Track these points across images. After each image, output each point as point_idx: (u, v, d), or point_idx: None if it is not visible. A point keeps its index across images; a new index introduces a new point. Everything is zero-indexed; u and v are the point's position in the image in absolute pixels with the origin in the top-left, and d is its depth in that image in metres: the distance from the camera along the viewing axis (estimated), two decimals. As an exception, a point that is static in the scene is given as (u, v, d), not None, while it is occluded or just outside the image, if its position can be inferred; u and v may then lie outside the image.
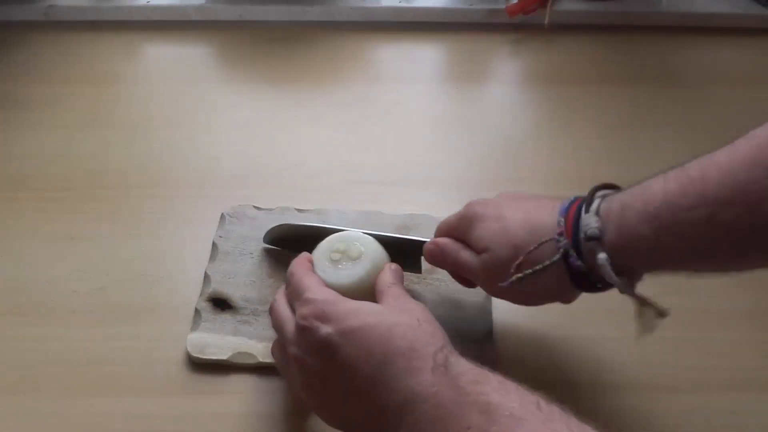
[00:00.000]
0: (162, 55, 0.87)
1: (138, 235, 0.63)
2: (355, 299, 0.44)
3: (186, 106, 0.78)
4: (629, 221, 0.42)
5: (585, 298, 0.57)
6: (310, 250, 0.52)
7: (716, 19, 0.91)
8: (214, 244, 0.61)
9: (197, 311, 0.56)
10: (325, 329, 0.42)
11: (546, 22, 0.87)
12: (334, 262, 0.50)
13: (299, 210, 0.64)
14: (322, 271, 0.49)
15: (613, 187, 0.46)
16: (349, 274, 0.49)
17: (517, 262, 0.45)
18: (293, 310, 0.46)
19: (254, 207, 0.64)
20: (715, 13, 0.91)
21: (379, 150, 0.72)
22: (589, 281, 0.45)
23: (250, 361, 0.53)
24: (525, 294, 0.48)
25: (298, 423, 0.50)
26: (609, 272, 0.42)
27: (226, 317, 0.55)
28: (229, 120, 0.76)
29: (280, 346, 0.47)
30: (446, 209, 0.64)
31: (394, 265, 0.50)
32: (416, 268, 0.56)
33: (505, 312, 0.56)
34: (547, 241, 0.45)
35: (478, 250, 0.48)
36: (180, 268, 0.60)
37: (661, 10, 0.91)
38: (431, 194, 0.68)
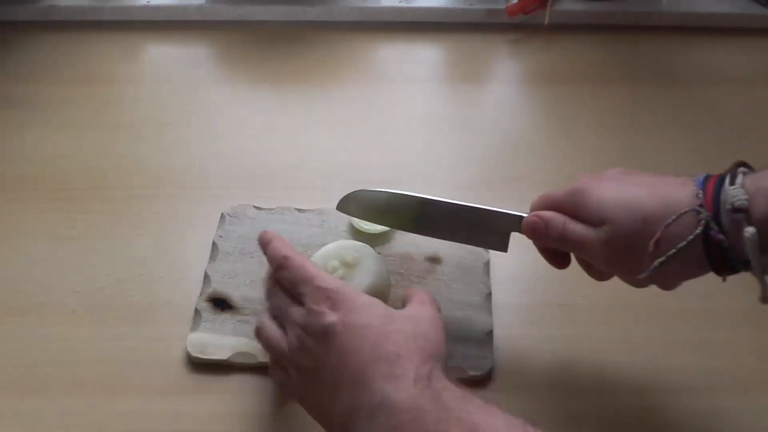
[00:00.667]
0: (162, 55, 0.88)
1: (138, 235, 0.63)
2: None
3: (186, 106, 0.78)
4: None
5: (585, 298, 0.57)
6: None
7: (716, 19, 0.91)
8: (214, 244, 0.61)
9: (197, 311, 0.56)
10: (332, 317, 0.42)
11: (546, 22, 0.87)
12: (331, 272, 0.51)
13: (299, 210, 0.64)
14: None
15: (749, 166, 0.43)
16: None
17: (655, 238, 0.42)
18: (294, 295, 0.45)
19: (254, 207, 0.64)
20: (715, 13, 0.91)
21: (379, 150, 0.72)
22: (726, 259, 0.41)
23: (250, 361, 0.53)
24: (659, 275, 0.44)
25: (297, 423, 0.50)
26: (754, 248, 0.39)
27: (226, 317, 0.55)
28: (229, 120, 0.76)
29: (276, 334, 0.46)
30: (446, 209, 0.64)
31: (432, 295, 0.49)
32: (503, 246, 0.52)
33: (505, 312, 0.56)
34: (686, 213, 0.41)
35: (595, 223, 0.44)
36: (180, 268, 0.60)
37: (661, 10, 0.91)
38: (431, 194, 0.67)
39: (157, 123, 0.76)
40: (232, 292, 0.57)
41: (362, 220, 0.61)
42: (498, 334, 0.55)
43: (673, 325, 0.56)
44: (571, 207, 0.47)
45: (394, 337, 0.42)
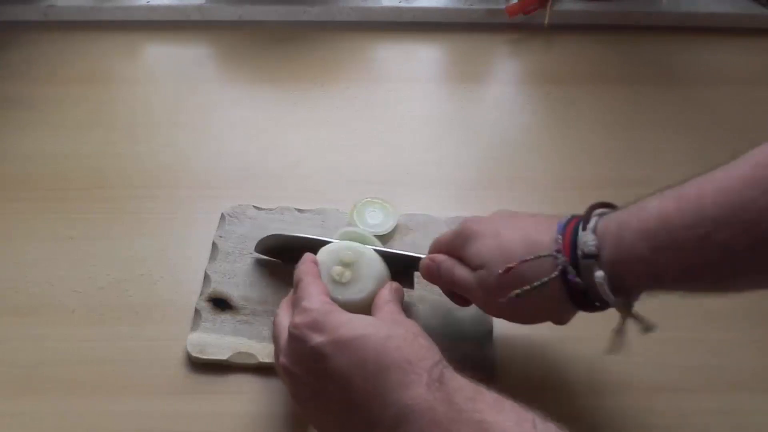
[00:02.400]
0: (162, 55, 0.88)
1: (138, 235, 0.63)
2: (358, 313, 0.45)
3: (186, 106, 0.78)
4: (626, 239, 0.42)
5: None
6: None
7: (716, 19, 0.91)
8: (214, 244, 0.61)
9: (197, 311, 0.56)
10: (317, 339, 0.42)
11: (546, 22, 0.87)
12: (337, 277, 0.50)
13: (299, 210, 0.64)
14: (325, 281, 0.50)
15: (610, 206, 0.46)
16: (353, 290, 0.50)
17: (508, 266, 0.44)
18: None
19: (254, 207, 0.64)
20: (715, 13, 0.91)
21: (378, 150, 0.72)
22: (587, 299, 0.44)
23: (250, 361, 0.53)
24: (522, 312, 0.47)
25: (298, 423, 0.50)
26: (606, 290, 0.42)
27: (226, 317, 0.55)
28: (229, 120, 0.76)
29: (276, 354, 0.47)
30: (446, 209, 0.65)
31: (395, 284, 0.50)
32: (409, 284, 0.55)
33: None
34: (545, 256, 0.44)
35: (473, 267, 0.47)
36: (180, 268, 0.60)
37: (661, 10, 0.91)
38: (431, 194, 0.68)
39: (157, 123, 0.76)
40: (232, 292, 0.57)
41: (362, 222, 0.62)
42: (498, 334, 0.55)
43: (672, 324, 0.56)
44: (457, 250, 0.49)
45: (396, 343, 0.41)
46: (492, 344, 0.54)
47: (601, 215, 0.44)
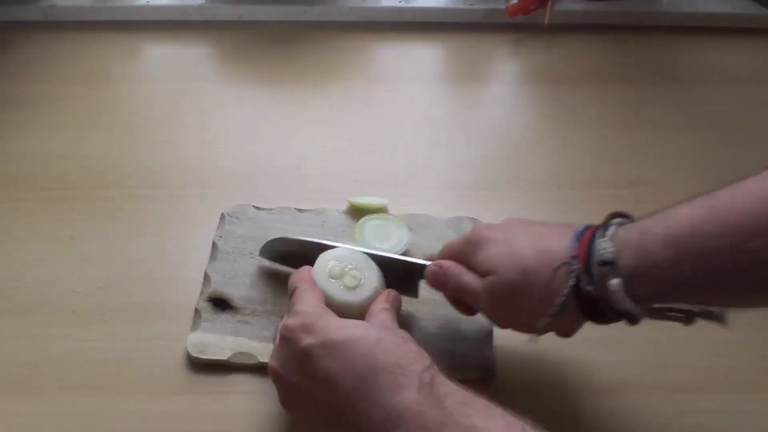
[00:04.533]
0: (162, 55, 0.87)
1: (138, 235, 0.63)
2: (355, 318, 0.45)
3: (186, 106, 0.78)
4: (649, 246, 0.41)
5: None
6: (306, 264, 0.51)
7: (716, 19, 0.91)
8: (214, 244, 0.61)
9: (197, 311, 0.56)
10: (307, 340, 0.42)
11: (546, 22, 0.87)
12: (335, 280, 0.50)
13: (299, 210, 0.64)
14: (322, 286, 0.49)
15: (626, 216, 0.45)
16: (352, 295, 0.50)
17: (537, 297, 0.44)
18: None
19: (254, 207, 0.64)
20: (715, 13, 0.91)
21: (378, 150, 0.72)
22: (598, 310, 0.43)
23: (250, 361, 0.53)
24: (529, 324, 0.46)
25: (297, 423, 0.50)
26: (623, 297, 0.41)
27: (226, 317, 0.55)
28: (229, 120, 0.76)
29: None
30: (446, 209, 0.64)
31: (393, 292, 0.50)
32: (413, 293, 0.54)
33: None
34: (560, 267, 0.43)
35: (482, 273, 0.47)
36: (180, 268, 0.60)
37: (661, 10, 0.91)
38: (431, 194, 0.68)
39: (157, 123, 0.76)
40: (232, 292, 0.57)
41: (358, 198, 0.63)
42: (498, 334, 0.55)
43: (672, 324, 0.56)
44: (466, 256, 0.49)
45: (386, 346, 0.41)
46: (492, 345, 0.54)
47: (619, 224, 0.44)
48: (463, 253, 0.49)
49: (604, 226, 0.44)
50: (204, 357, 0.53)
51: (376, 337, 0.42)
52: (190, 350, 0.53)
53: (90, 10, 0.89)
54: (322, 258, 0.52)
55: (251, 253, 0.60)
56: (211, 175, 0.69)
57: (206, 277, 0.58)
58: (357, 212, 0.63)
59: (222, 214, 0.63)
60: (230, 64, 0.86)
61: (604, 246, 0.42)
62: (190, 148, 0.72)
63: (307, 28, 0.90)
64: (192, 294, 0.57)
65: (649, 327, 0.56)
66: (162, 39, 0.88)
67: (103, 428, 0.50)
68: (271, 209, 0.64)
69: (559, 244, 0.44)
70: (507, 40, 0.89)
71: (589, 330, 0.51)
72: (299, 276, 0.49)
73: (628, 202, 0.67)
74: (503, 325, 0.49)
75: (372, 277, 0.51)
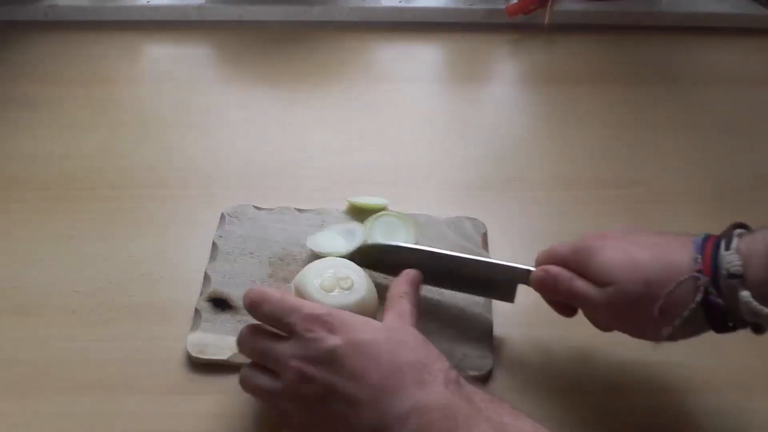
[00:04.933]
0: (162, 55, 0.88)
1: (138, 235, 0.63)
2: None
3: (186, 106, 0.78)
4: None
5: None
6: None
7: (716, 19, 0.91)
8: (214, 244, 0.61)
9: (197, 311, 0.56)
10: (333, 340, 0.42)
11: (546, 22, 0.87)
12: (327, 290, 0.50)
13: (299, 210, 0.64)
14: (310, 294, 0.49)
15: (745, 226, 0.45)
16: (343, 297, 0.49)
17: (658, 305, 0.44)
18: (281, 328, 0.45)
19: (254, 207, 0.64)
20: (715, 13, 0.91)
21: (378, 150, 0.72)
22: (725, 321, 0.44)
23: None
24: (645, 332, 0.47)
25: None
26: (756, 307, 0.41)
27: (226, 317, 0.55)
28: (229, 120, 0.76)
29: (264, 379, 0.45)
30: (446, 209, 0.64)
31: (413, 272, 0.50)
32: (509, 297, 0.53)
33: (505, 312, 0.56)
34: (685, 279, 0.43)
35: (600, 283, 0.46)
36: (180, 268, 0.60)
37: (661, 10, 0.91)
38: (431, 194, 0.68)
39: (157, 123, 0.76)
40: (232, 292, 0.57)
41: (359, 198, 0.63)
42: (498, 334, 0.55)
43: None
44: (576, 264, 0.48)
45: (410, 346, 0.42)
46: (492, 344, 0.54)
47: (740, 235, 0.43)
48: (573, 260, 0.48)
49: (726, 237, 0.44)
50: (204, 357, 0.53)
51: (399, 339, 0.43)
52: (190, 350, 0.53)
53: (90, 10, 0.89)
54: (308, 274, 0.51)
55: (251, 253, 0.60)
56: (211, 175, 0.69)
57: (206, 277, 0.58)
58: (357, 212, 0.63)
59: (222, 214, 0.63)
60: (230, 64, 0.86)
61: (731, 259, 0.42)
62: (190, 147, 0.72)
63: (307, 28, 0.90)
64: (192, 294, 0.57)
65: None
66: (162, 39, 0.88)
67: (103, 428, 0.50)
68: (271, 209, 0.64)
69: (681, 257, 0.44)
70: (507, 40, 0.89)
71: (588, 329, 0.51)
72: (263, 290, 0.47)
73: (628, 202, 0.67)
74: (620, 330, 0.48)
75: (360, 282, 0.51)
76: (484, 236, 0.62)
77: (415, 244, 0.58)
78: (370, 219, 0.61)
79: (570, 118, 0.78)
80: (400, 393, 0.40)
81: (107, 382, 0.52)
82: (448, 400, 0.39)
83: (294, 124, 0.76)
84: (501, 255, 0.57)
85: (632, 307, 0.45)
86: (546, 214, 0.66)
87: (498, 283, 0.53)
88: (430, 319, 0.56)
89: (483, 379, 0.52)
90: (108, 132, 0.74)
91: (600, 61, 0.86)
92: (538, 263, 0.51)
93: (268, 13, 0.90)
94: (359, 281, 0.51)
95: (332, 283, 0.50)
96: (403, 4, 0.89)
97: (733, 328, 0.44)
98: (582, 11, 0.90)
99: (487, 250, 0.61)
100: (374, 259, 0.57)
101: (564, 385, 0.53)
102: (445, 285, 0.56)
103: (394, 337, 0.43)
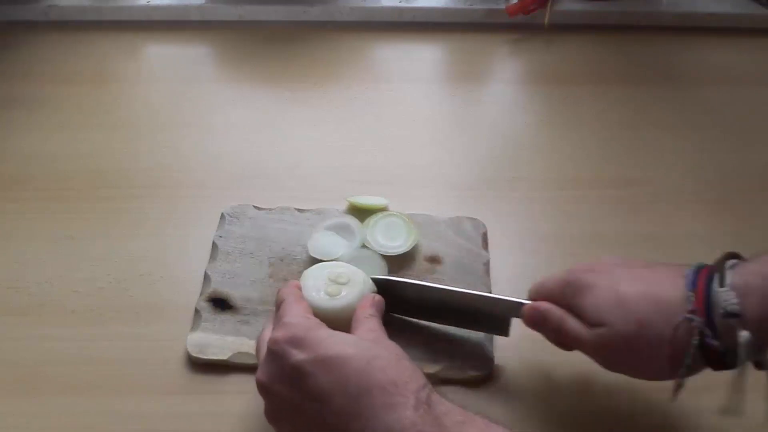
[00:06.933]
0: (162, 55, 0.88)
1: (138, 235, 0.63)
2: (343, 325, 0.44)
3: (186, 106, 0.78)
4: None
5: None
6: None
7: (716, 19, 0.91)
8: (214, 244, 0.61)
9: (197, 311, 0.56)
10: (298, 356, 0.41)
11: (546, 22, 0.87)
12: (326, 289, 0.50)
13: (299, 210, 0.64)
14: (310, 296, 0.49)
15: (738, 256, 0.43)
16: (337, 300, 0.49)
17: (667, 355, 0.42)
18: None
19: (254, 207, 0.64)
20: (715, 13, 0.91)
21: (378, 150, 0.72)
22: (722, 360, 0.41)
23: (250, 361, 0.53)
24: (645, 372, 0.45)
25: None
26: (752, 351, 0.39)
27: (226, 317, 0.55)
28: (229, 120, 0.76)
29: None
30: (446, 209, 0.64)
31: (377, 297, 0.49)
32: (504, 330, 0.52)
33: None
34: (680, 323, 0.41)
35: (590, 323, 0.44)
36: (180, 268, 0.60)
37: (661, 10, 0.91)
38: (431, 194, 0.68)
39: (156, 123, 0.76)
40: (232, 292, 0.57)
41: (358, 198, 0.63)
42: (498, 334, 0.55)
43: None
44: (566, 300, 0.47)
45: (381, 364, 0.40)
46: (492, 344, 0.54)
47: (732, 267, 0.41)
48: (563, 296, 0.47)
49: (719, 270, 0.41)
50: (204, 357, 0.53)
51: (371, 355, 0.40)
52: (190, 350, 0.53)
53: (90, 10, 0.89)
54: (312, 270, 0.52)
55: (251, 253, 0.60)
56: (211, 175, 0.69)
57: (206, 277, 0.58)
58: (357, 212, 0.63)
59: (222, 214, 0.63)
60: (230, 64, 0.86)
61: (727, 297, 0.40)
62: (191, 148, 0.72)
63: (307, 28, 0.90)
64: (192, 294, 0.57)
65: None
66: (162, 39, 0.88)
67: (103, 428, 0.50)
68: (271, 209, 0.64)
69: (672, 292, 0.42)
70: (507, 40, 0.89)
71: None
72: (287, 290, 0.49)
73: (628, 202, 0.67)
74: (616, 370, 0.46)
75: (357, 282, 0.51)
76: (484, 236, 0.62)
77: (413, 243, 0.58)
78: (371, 219, 0.61)
79: (570, 118, 0.78)
80: (369, 419, 0.38)
81: (107, 382, 0.52)
82: (418, 426, 0.37)
83: (294, 124, 0.76)
84: (501, 255, 0.57)
85: (626, 350, 0.43)
86: (546, 214, 0.66)
87: (492, 317, 0.52)
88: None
89: (483, 379, 0.52)
90: (108, 132, 0.74)
91: (600, 61, 0.86)
92: (530, 297, 0.50)
93: (268, 13, 0.90)
94: (356, 278, 0.51)
95: (330, 285, 0.50)
96: (403, 4, 0.89)
97: (733, 366, 0.42)
98: (582, 11, 0.90)
99: (487, 251, 0.61)
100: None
101: (564, 385, 0.53)
102: (436, 319, 0.54)
103: (366, 353, 0.41)
